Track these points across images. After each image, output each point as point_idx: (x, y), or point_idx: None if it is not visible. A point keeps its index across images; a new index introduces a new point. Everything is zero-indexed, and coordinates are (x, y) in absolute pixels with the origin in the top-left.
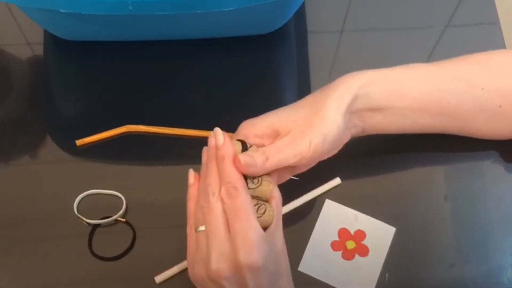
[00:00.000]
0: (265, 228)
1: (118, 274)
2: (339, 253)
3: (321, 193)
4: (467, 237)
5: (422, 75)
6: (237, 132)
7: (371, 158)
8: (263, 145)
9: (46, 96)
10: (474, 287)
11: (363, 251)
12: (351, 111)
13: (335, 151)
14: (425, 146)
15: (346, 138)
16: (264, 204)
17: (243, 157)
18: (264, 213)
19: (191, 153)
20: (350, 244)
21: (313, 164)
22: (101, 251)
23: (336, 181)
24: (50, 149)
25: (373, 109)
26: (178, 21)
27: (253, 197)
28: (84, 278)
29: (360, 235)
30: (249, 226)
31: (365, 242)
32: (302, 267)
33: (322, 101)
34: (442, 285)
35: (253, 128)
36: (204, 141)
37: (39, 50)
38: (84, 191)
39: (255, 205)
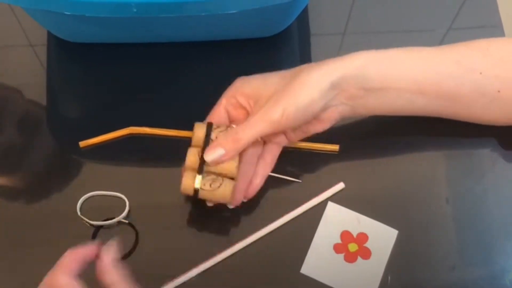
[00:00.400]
0: (222, 203)
1: None
2: (342, 255)
3: (325, 198)
4: (469, 240)
5: (422, 58)
6: (230, 86)
7: (373, 162)
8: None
9: (49, 98)
10: None
11: (366, 253)
12: (339, 89)
13: (321, 125)
14: (426, 149)
15: (333, 115)
16: (222, 179)
17: (208, 156)
18: (219, 187)
19: None
20: (353, 247)
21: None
22: None
23: (340, 185)
24: (53, 150)
25: (367, 89)
26: (182, 23)
27: (213, 173)
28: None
29: (362, 237)
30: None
31: (367, 244)
32: (305, 269)
33: (308, 72)
34: (443, 287)
35: (242, 86)
36: None
37: (42, 51)
38: (87, 193)
39: (210, 178)
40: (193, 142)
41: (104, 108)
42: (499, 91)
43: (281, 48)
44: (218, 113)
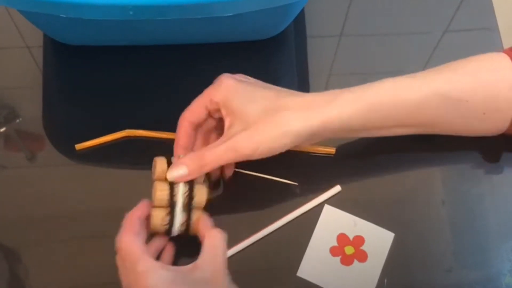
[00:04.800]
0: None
1: None
2: (338, 258)
3: (322, 201)
4: (464, 242)
5: (404, 95)
6: (216, 86)
7: (369, 165)
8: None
9: (45, 100)
10: None
11: (362, 256)
12: (318, 134)
13: None
14: (422, 152)
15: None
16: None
17: (171, 174)
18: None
19: None
20: (349, 250)
21: None
22: None
23: (337, 188)
24: (49, 153)
25: (346, 131)
26: (178, 26)
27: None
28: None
29: (359, 240)
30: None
31: (364, 247)
32: (301, 273)
33: (288, 118)
34: None
35: (227, 94)
36: None
37: (38, 53)
38: (82, 195)
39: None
40: (156, 175)
41: (100, 111)
42: (484, 113)
43: (278, 50)
44: (198, 109)
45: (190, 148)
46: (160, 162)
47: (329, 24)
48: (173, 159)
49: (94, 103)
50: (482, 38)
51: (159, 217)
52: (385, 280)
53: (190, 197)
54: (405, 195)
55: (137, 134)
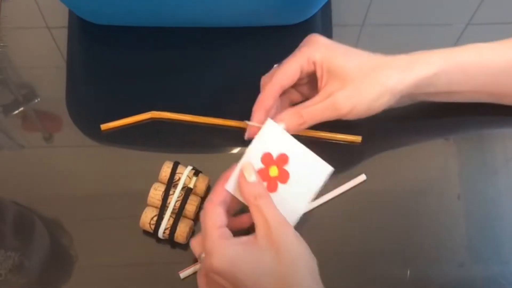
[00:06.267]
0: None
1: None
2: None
3: (347, 189)
4: (478, 237)
5: (489, 59)
6: (307, 42)
7: (393, 155)
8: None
9: (70, 80)
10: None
11: (284, 177)
12: (407, 95)
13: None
14: (441, 145)
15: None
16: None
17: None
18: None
19: (214, 141)
20: (273, 171)
21: None
22: None
23: (362, 177)
24: (71, 133)
25: (432, 93)
26: (207, 8)
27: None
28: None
29: (283, 159)
30: (207, 233)
31: (287, 167)
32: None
33: (386, 78)
34: (450, 284)
35: (325, 52)
36: (228, 130)
37: (59, 34)
38: (107, 175)
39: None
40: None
41: (126, 92)
42: None
43: (303, 36)
44: (293, 71)
45: (272, 113)
46: (166, 165)
47: (352, 13)
48: (249, 123)
49: (120, 84)
50: (505, 32)
51: (148, 216)
52: (408, 272)
53: (182, 204)
54: (422, 187)
55: (163, 116)
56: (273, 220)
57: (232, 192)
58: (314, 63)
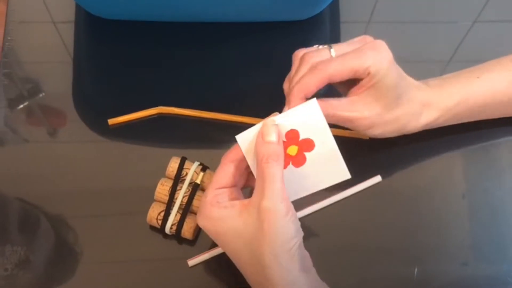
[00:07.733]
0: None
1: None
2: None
3: (361, 189)
4: (482, 236)
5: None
6: (373, 46)
7: (400, 155)
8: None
9: (76, 75)
10: (486, 287)
11: (300, 161)
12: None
13: None
14: (446, 145)
15: None
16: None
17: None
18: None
19: (222, 137)
20: (292, 150)
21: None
22: None
23: (377, 178)
24: (80, 127)
25: (454, 120)
26: (216, 3)
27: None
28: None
29: (308, 144)
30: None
31: (307, 154)
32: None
33: (420, 105)
34: (455, 282)
35: (380, 61)
36: (236, 126)
37: (64, 29)
38: (114, 170)
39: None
40: (167, 173)
41: (133, 87)
42: None
43: (311, 32)
44: (346, 71)
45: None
46: (174, 161)
47: (359, 10)
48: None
49: (127, 79)
50: (511, 30)
51: (155, 212)
52: (415, 270)
53: (189, 200)
54: (427, 186)
55: (170, 112)
56: (270, 189)
57: (243, 150)
58: (369, 74)
